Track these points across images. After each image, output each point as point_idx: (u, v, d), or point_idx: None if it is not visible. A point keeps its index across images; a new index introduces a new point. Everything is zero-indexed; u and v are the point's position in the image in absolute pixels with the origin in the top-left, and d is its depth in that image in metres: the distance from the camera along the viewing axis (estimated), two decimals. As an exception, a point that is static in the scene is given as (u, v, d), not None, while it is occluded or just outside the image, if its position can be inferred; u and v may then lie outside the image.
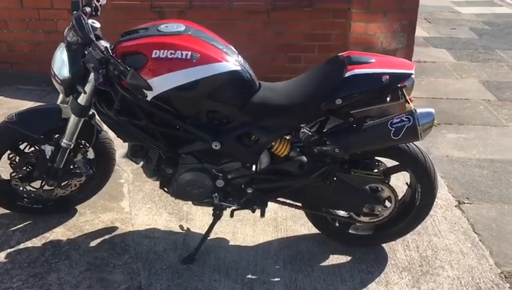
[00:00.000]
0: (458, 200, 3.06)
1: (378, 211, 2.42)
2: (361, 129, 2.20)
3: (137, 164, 2.42)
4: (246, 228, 2.67)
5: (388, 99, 2.18)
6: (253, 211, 2.44)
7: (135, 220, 2.66)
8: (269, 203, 2.46)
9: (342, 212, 2.50)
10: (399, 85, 2.19)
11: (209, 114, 2.23)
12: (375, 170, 2.37)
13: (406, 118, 2.14)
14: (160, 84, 2.08)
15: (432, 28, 7.24)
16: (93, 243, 2.46)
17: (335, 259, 2.50)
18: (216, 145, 2.23)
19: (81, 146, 2.46)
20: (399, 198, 2.48)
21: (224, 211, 2.44)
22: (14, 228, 2.51)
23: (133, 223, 2.64)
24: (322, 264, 2.46)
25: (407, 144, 2.32)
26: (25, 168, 2.41)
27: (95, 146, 2.49)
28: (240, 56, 2.27)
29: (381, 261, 2.50)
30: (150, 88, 2.01)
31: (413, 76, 2.34)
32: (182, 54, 2.07)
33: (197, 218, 2.70)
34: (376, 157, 2.43)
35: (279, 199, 2.46)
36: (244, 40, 4.23)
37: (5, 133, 2.33)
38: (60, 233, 2.51)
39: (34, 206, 2.54)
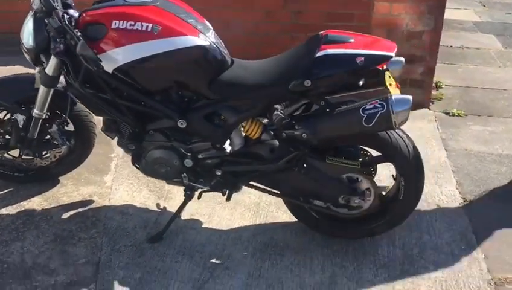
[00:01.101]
0: (464, 198, 2.81)
1: (355, 203, 2.26)
2: (332, 114, 2.04)
3: (112, 138, 2.39)
4: (224, 211, 2.58)
5: (361, 83, 2.01)
6: (223, 194, 2.34)
7: (114, 195, 2.64)
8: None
9: (319, 202, 2.36)
10: (381, 68, 2.02)
11: (175, 91, 2.15)
12: (354, 160, 2.21)
13: (379, 104, 1.96)
14: (120, 56, 2.01)
15: (485, 12, 6.74)
16: (65, 215, 2.46)
17: (309, 250, 2.37)
18: (182, 124, 2.15)
19: (57, 117, 2.45)
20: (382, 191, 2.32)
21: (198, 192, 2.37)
22: (-5, 195, 2.57)
23: (111, 197, 2.62)
24: (293, 254, 2.34)
25: (389, 133, 2.14)
26: (1, 136, 2.44)
27: (72, 118, 2.47)
28: (212, 31, 2.16)
29: (359, 256, 2.34)
30: (98, 60, 1.95)
31: (402, 60, 2.16)
32: (142, 26, 1.99)
33: (177, 197, 2.63)
34: (362, 146, 2.27)
35: (255, 184, 2.35)
36: (262, 18, 4.09)
37: None
38: (36, 203, 2.53)
39: (15, 175, 2.57)
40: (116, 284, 2.10)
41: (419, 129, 3.57)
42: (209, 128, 2.17)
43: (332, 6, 4.03)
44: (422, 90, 3.95)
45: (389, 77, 2.08)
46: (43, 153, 2.51)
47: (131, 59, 2.01)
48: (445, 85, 4.39)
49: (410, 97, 1.97)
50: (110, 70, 2.04)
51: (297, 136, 2.07)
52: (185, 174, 2.27)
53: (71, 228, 2.38)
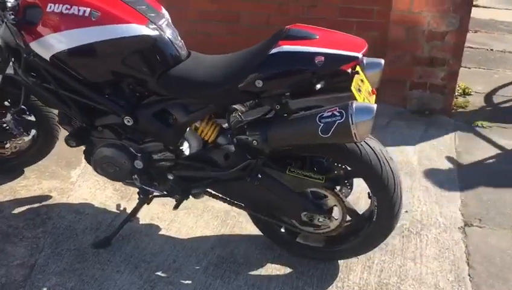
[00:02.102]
0: (466, 221, 2.46)
1: (319, 221, 1.98)
2: (286, 121, 1.77)
3: (68, 131, 2.22)
4: (188, 217, 2.36)
5: (319, 86, 1.73)
6: (176, 201, 2.12)
7: (75, 191, 2.47)
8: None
9: (283, 218, 2.09)
10: (347, 70, 1.74)
11: (121, 84, 1.94)
12: (322, 173, 1.93)
13: (338, 112, 1.67)
14: (56, 42, 1.83)
15: (533, 13, 6.18)
16: (17, 210, 2.32)
17: (270, 269, 2.11)
18: (128, 121, 1.94)
19: (13, 106, 2.31)
20: (353, 209, 2.03)
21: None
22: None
23: (71, 194, 2.45)
24: (251, 272, 2.08)
25: (359, 145, 1.85)
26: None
27: (30, 108, 2.33)
28: (165, 20, 1.94)
29: (325, 281, 2.06)
30: (21, 47, 1.78)
31: (380, 62, 1.88)
32: (78, 10, 1.79)
33: (142, 199, 2.44)
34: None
35: (215, 193, 2.12)
36: (273, 11, 3.83)
37: None
38: (-10, 195, 2.42)
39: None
40: (44, 292, 1.93)
41: (434, 139, 3.22)
42: (158, 128, 1.95)
43: (348, 0, 3.71)
44: (443, 96, 3.58)
45: (361, 81, 1.79)
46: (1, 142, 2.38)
47: (67, 47, 1.82)
48: (475, 92, 3.98)
49: (373, 106, 1.67)
50: (47, 58, 1.87)
51: (249, 143, 1.82)
52: (135, 176, 2.07)
53: (18, 224, 2.23)
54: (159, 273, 2.05)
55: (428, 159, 2.97)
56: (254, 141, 1.80)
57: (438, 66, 3.51)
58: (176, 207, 2.10)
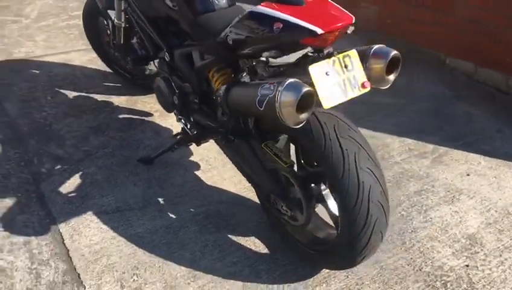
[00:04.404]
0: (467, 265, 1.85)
1: (282, 208, 1.84)
2: (242, 85, 1.70)
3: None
4: (228, 171, 2.45)
5: (274, 54, 1.59)
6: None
7: (168, 119, 2.85)
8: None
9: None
10: (307, 43, 1.55)
11: (169, 22, 2.16)
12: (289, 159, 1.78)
13: (273, 86, 1.52)
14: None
15: None
16: (122, 116, 2.85)
17: (255, 243, 2.07)
18: (166, 56, 2.17)
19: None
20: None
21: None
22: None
23: (165, 119, 2.84)
24: (231, 234, 2.10)
25: (326, 139, 1.62)
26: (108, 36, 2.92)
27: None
28: None
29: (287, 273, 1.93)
30: None
31: (388, 53, 1.60)
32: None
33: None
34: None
35: None
36: None
37: (92, 3, 2.87)
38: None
39: (126, 75, 3.06)
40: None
41: None
42: (185, 68, 2.11)
43: None
44: None
45: (345, 66, 1.55)
46: (131, 59, 2.80)
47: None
48: None
49: (303, 88, 1.44)
50: None
51: (220, 103, 1.82)
52: (175, 111, 2.29)
53: (112, 125, 2.76)
54: (160, 199, 2.27)
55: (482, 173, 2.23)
56: (219, 98, 1.79)
57: None
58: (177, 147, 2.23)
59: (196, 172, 2.45)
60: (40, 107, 2.84)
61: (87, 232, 2.06)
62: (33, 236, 2.02)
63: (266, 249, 2.04)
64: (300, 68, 1.61)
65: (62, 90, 3.01)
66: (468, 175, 2.53)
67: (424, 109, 3.08)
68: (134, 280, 1.88)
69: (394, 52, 1.57)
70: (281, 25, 1.54)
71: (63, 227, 2.08)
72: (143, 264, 1.94)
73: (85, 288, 1.83)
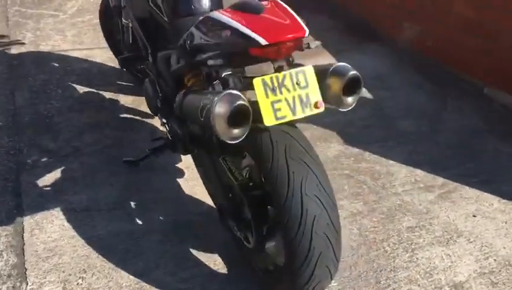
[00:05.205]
0: None
1: (230, 223, 1.73)
2: (192, 92, 1.61)
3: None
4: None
5: (220, 62, 1.47)
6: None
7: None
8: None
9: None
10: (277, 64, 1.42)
11: (153, 24, 2.10)
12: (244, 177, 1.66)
13: (213, 96, 1.41)
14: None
15: None
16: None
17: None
18: (150, 58, 2.12)
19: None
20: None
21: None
22: None
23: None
24: (194, 249, 2.00)
25: (274, 159, 1.49)
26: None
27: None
28: None
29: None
30: None
31: (347, 71, 1.46)
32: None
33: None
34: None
35: None
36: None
37: (106, 2, 2.86)
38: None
39: (138, 75, 3.03)
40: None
41: None
42: (163, 71, 2.04)
43: None
44: None
45: (297, 84, 1.43)
46: (120, 58, 2.65)
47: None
48: None
49: (237, 101, 1.32)
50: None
51: (176, 107, 1.73)
52: (159, 114, 2.23)
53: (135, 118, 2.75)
54: (133, 203, 2.20)
55: None
56: (176, 108, 1.71)
57: None
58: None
59: (179, 179, 2.37)
60: (47, 100, 2.87)
61: (48, 228, 2.03)
62: (-4, 225, 2.02)
63: (225, 269, 1.92)
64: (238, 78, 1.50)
65: (74, 85, 3.04)
66: (474, 216, 2.29)
67: (447, 140, 2.82)
68: (78, 283, 1.81)
69: (353, 72, 1.43)
70: (229, 33, 1.43)
71: (27, 220, 2.06)
72: (92, 268, 1.87)
73: (27, 285, 1.79)
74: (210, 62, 1.53)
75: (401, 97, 3.24)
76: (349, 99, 1.47)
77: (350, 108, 1.51)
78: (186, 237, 2.04)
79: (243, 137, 1.38)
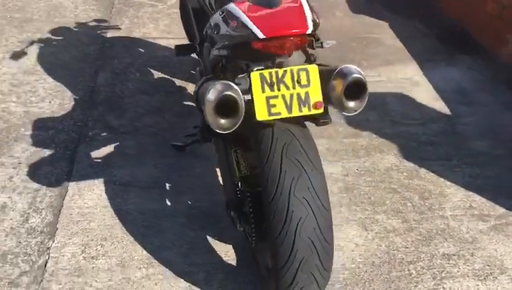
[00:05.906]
0: None
1: (231, 214, 1.75)
2: (205, 81, 1.62)
3: None
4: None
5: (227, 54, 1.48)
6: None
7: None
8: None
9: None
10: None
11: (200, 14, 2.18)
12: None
13: (211, 85, 1.42)
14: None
15: None
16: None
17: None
18: (197, 48, 2.18)
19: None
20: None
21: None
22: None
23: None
24: (209, 235, 2.04)
25: (270, 155, 1.47)
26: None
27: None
28: None
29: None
30: None
31: (351, 73, 1.41)
32: None
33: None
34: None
35: None
36: None
37: None
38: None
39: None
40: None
41: None
42: (204, 59, 2.08)
43: None
44: None
45: (297, 82, 1.40)
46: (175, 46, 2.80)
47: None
48: None
49: (226, 91, 1.32)
50: None
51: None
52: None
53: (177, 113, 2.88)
54: (169, 184, 2.29)
55: None
56: (194, 96, 1.74)
57: None
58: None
59: (218, 169, 2.42)
60: (125, 81, 3.08)
61: (87, 196, 2.19)
62: (45, 186, 2.22)
63: (235, 260, 1.93)
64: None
65: (152, 70, 3.23)
66: (526, 255, 2.05)
67: (527, 166, 2.55)
68: (97, 249, 1.94)
69: (357, 75, 1.35)
70: (235, 24, 1.44)
71: (72, 186, 2.24)
72: (113, 237, 1.99)
73: (53, 242, 1.96)
74: (215, 52, 1.55)
75: (482, 115, 2.97)
76: (352, 104, 1.40)
77: (355, 113, 1.44)
78: (208, 224, 2.08)
79: (233, 128, 1.38)
